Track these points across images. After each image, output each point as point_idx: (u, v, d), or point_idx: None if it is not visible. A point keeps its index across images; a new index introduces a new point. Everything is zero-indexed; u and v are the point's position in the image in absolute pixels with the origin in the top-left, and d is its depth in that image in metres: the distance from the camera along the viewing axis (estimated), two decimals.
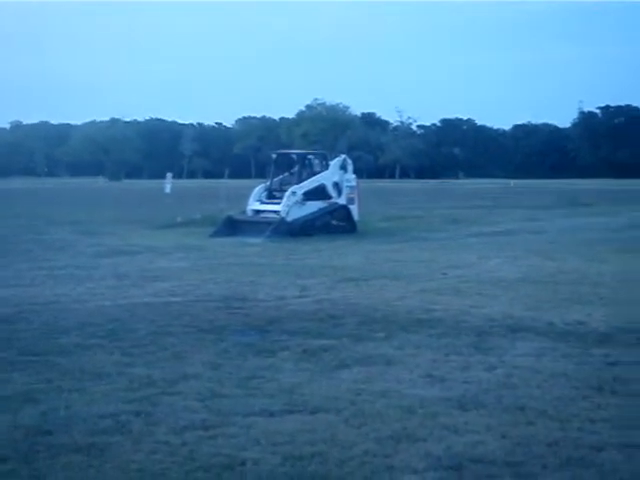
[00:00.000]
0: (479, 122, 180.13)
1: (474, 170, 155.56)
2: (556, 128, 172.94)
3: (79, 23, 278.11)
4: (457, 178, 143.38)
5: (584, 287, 16.79)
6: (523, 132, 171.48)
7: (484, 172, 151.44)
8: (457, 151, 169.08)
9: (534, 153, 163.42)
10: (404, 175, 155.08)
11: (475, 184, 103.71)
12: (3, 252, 24.67)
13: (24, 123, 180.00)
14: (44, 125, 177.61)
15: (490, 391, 8.92)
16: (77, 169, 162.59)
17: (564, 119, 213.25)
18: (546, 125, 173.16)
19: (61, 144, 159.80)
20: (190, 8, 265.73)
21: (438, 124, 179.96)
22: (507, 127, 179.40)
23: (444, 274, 19.11)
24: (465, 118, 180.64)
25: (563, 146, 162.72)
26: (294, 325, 12.65)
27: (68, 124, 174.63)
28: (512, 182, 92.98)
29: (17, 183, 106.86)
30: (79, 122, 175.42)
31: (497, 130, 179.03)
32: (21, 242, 28.04)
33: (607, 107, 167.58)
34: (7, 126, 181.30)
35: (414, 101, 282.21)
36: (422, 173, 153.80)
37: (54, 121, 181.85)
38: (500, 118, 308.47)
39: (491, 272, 19.44)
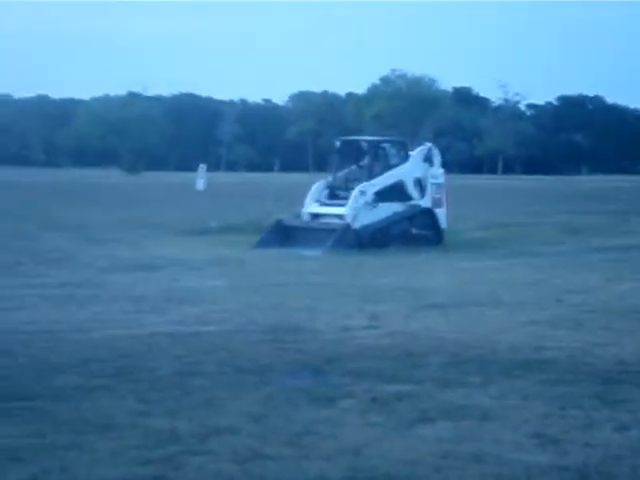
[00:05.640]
0: (609, 100, 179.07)
1: (602, 163, 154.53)
2: None
3: None
4: (579, 174, 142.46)
5: None
6: None
7: (615, 166, 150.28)
8: (580, 138, 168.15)
9: None
10: (509, 169, 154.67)
11: (603, 182, 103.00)
12: None
13: (16, 97, 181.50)
14: (42, 100, 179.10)
15: (622, 459, 8.80)
16: (83, 157, 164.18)
17: None
18: None
19: (63, 125, 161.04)
20: None
21: (555, 103, 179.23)
22: None
23: (560, 301, 19.01)
24: (591, 95, 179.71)
25: None
26: (361, 365, 12.64)
27: (72, 99, 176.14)
28: None
29: (7, 174, 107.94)
30: (87, 97, 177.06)
31: (634, 111, 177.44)
32: (8, 251, 28.36)
33: None
34: None
35: (522, 74, 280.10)
36: (533, 167, 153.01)
37: (55, 95, 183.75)
38: (638, 95, 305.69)
39: (622, 299, 19.28)
